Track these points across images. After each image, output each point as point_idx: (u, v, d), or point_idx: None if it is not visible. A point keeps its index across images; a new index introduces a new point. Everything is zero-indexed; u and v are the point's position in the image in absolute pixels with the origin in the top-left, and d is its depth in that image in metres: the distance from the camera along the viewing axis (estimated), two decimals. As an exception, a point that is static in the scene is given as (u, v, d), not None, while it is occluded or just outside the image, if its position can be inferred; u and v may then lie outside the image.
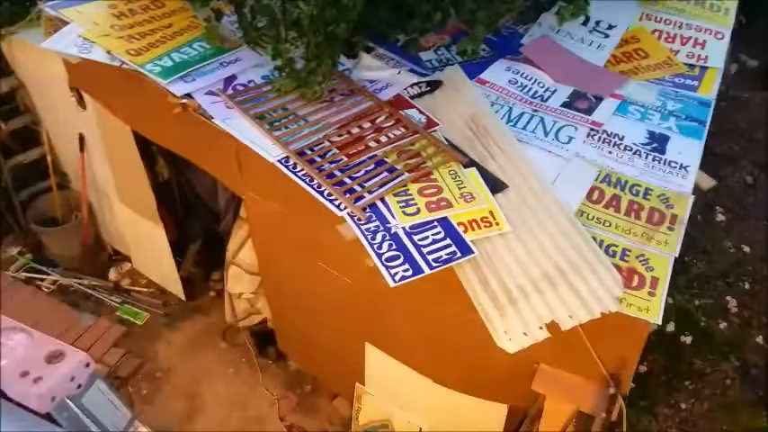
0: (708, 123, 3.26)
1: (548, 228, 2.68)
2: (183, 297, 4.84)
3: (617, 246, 2.65)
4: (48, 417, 1.56)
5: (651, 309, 2.44)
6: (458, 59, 3.60)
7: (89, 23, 3.34)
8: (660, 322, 2.44)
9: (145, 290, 4.94)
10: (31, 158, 4.88)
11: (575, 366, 2.72)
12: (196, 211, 4.88)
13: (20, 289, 4.68)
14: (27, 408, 1.51)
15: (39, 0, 3.80)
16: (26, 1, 4.12)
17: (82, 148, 4.51)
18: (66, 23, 3.37)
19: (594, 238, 2.65)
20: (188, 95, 3.10)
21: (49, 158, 4.85)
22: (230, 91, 3.18)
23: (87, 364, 1.57)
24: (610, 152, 3.07)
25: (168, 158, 4.49)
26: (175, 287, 4.82)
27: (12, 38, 4.23)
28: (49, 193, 4.98)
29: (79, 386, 1.57)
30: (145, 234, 4.58)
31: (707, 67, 3.65)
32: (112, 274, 5.01)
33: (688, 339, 4.47)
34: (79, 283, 4.88)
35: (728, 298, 4.76)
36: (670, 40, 3.83)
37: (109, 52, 3.21)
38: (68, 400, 1.58)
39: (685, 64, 3.66)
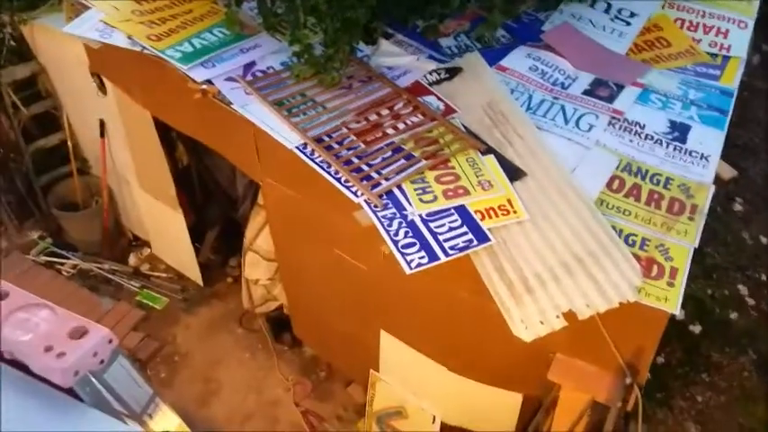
0: (730, 113, 3.22)
1: (566, 216, 2.67)
2: (201, 283, 4.89)
3: (636, 235, 2.63)
4: (70, 391, 1.60)
5: (670, 299, 2.42)
6: (477, 46, 3.57)
7: (110, 8, 3.35)
8: (678, 312, 2.42)
9: (164, 275, 5.00)
10: (51, 143, 4.94)
11: (591, 356, 2.71)
12: (215, 198, 4.92)
13: (40, 273, 4.73)
14: (50, 382, 1.54)
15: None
16: (48, -14, 4.16)
17: (102, 134, 4.56)
18: (88, 8, 3.38)
19: (614, 227, 2.63)
20: (208, 81, 3.11)
21: (69, 144, 4.91)
22: (249, 77, 3.18)
23: (110, 341, 1.60)
24: (631, 141, 3.04)
25: (188, 145, 4.53)
26: (194, 273, 4.87)
27: (33, 23, 4.27)
28: (70, 178, 5.04)
29: (102, 362, 1.60)
30: (164, 220, 4.63)
31: (729, 57, 3.60)
32: (132, 260, 5.08)
33: (704, 332, 4.44)
34: (99, 268, 4.95)
35: (746, 290, 4.72)
36: (692, 28, 3.77)
37: (130, 37, 3.22)
38: (91, 376, 1.62)
39: (708, 53, 3.60)
